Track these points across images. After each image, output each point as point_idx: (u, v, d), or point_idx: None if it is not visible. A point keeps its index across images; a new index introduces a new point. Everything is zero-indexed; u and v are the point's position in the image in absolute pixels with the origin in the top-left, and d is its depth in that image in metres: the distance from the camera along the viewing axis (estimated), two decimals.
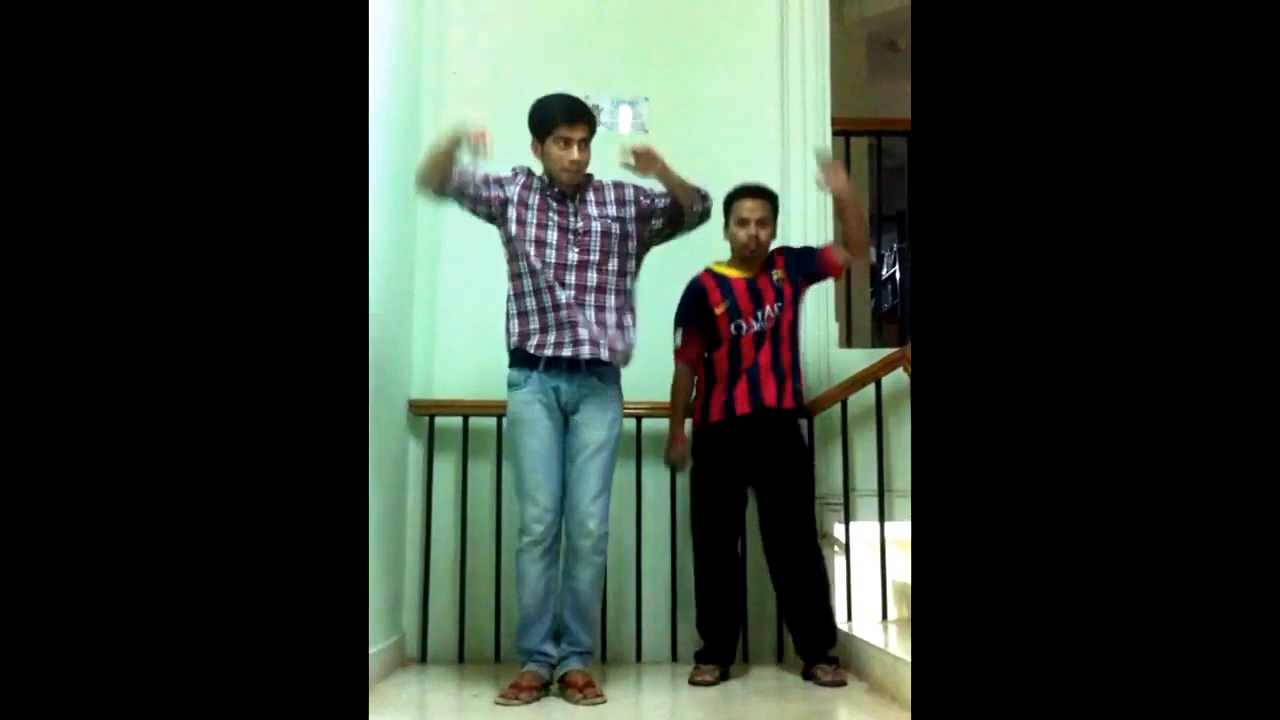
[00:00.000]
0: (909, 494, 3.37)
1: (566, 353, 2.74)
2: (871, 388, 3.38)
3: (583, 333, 2.74)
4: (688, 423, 3.21)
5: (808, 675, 2.99)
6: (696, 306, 3.14)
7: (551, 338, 2.75)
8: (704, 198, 2.86)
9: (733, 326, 3.10)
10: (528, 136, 2.80)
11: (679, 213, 2.85)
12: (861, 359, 3.50)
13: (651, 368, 3.25)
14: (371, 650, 2.87)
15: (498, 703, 2.61)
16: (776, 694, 2.84)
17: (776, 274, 3.14)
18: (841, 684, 2.89)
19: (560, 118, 2.73)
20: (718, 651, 3.06)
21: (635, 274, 2.90)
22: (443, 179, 2.74)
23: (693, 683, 2.96)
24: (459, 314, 3.55)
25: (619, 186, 2.87)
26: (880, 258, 7.11)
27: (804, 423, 3.32)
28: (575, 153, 2.72)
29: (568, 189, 2.80)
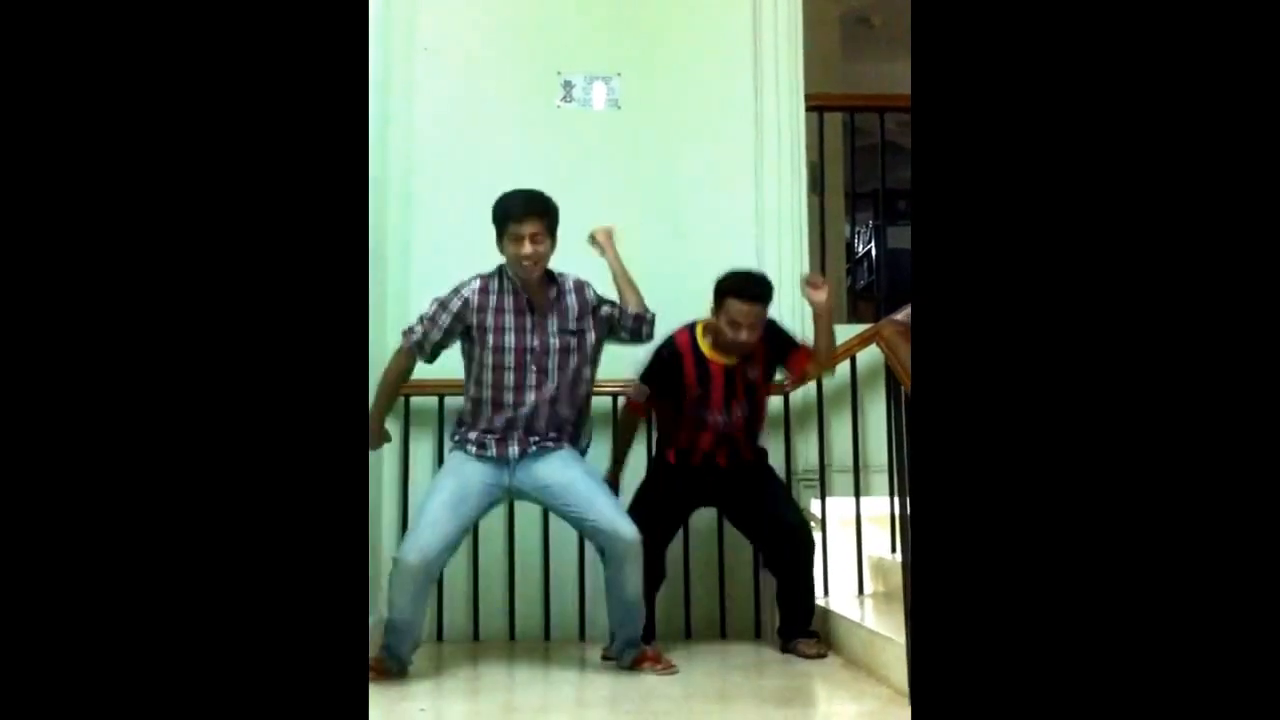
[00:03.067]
0: (884, 470, 3.39)
1: (512, 452, 2.75)
2: (847, 364, 3.39)
3: (530, 438, 2.75)
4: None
5: (788, 649, 3.04)
6: (668, 374, 3.01)
7: (492, 441, 2.75)
8: (646, 321, 2.92)
9: (700, 410, 3.01)
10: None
11: (637, 331, 2.93)
12: (837, 336, 3.50)
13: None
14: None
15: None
16: (755, 669, 2.86)
17: (752, 372, 3.02)
18: (823, 656, 2.94)
19: (511, 213, 2.70)
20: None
21: (594, 373, 2.89)
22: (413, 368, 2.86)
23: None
24: (432, 295, 3.52)
25: (580, 291, 2.84)
26: (855, 235, 7.13)
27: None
28: (527, 247, 2.67)
29: (528, 287, 2.75)
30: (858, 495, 3.38)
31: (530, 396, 2.72)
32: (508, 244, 2.71)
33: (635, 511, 2.93)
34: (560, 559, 3.40)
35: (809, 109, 3.76)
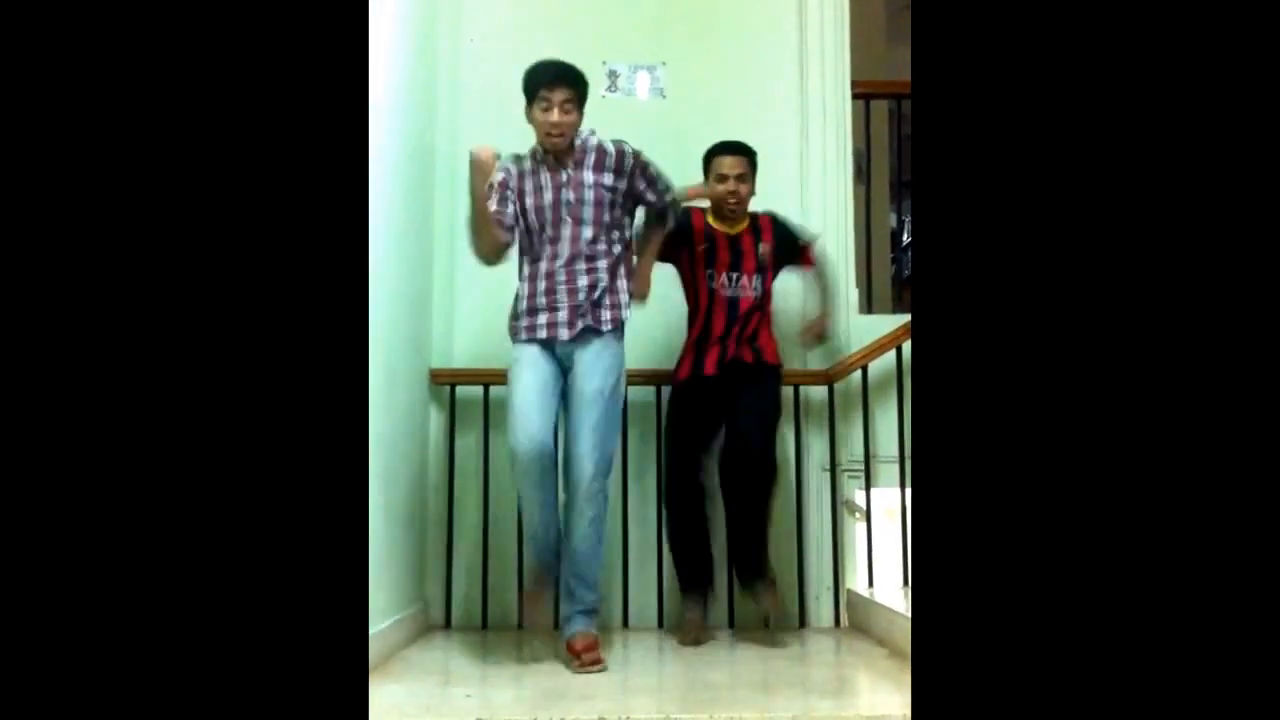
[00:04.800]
0: None
1: (561, 334, 2.75)
2: (892, 354, 3.37)
3: (564, 314, 2.74)
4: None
5: (746, 588, 3.14)
6: (679, 234, 3.12)
7: (543, 319, 2.76)
8: (665, 205, 2.95)
9: (707, 274, 3.14)
10: None
11: (662, 213, 2.99)
12: (882, 325, 3.48)
13: (655, 337, 3.26)
14: (395, 618, 2.90)
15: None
16: (799, 659, 2.86)
17: (764, 247, 3.17)
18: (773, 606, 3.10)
19: (542, 79, 2.72)
20: (694, 579, 3.15)
21: (626, 237, 2.90)
22: (497, 244, 2.80)
23: (683, 643, 3.04)
24: (478, 283, 3.54)
25: (620, 154, 2.82)
26: (901, 224, 7.07)
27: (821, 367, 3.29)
28: (555, 114, 2.70)
29: (557, 154, 2.77)
30: (903, 486, 3.36)
31: (565, 248, 2.75)
32: (536, 112, 2.73)
33: (669, 456, 3.20)
34: (609, 549, 3.39)
35: (855, 96, 3.73)
